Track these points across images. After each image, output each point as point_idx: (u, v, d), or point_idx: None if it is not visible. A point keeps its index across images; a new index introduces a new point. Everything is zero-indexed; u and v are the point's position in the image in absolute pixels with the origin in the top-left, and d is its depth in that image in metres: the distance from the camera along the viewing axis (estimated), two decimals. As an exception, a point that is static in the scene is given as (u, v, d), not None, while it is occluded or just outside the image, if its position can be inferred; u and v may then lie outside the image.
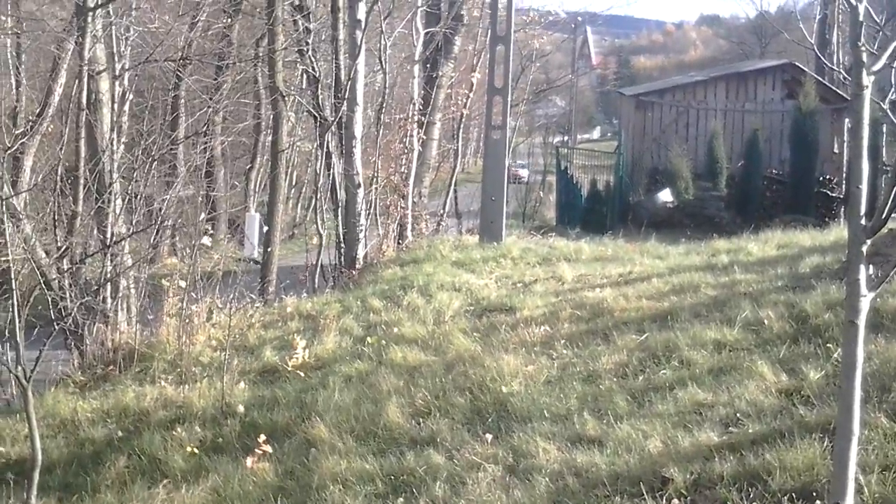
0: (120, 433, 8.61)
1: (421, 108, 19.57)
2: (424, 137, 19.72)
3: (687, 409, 6.78)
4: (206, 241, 11.50)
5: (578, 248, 13.90)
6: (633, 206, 30.10)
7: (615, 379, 7.73)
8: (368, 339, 10.02)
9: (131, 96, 15.71)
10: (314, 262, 17.16)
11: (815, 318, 8.10)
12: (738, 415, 6.47)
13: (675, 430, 6.36)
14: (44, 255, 12.77)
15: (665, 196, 29.63)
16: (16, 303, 7.53)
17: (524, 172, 47.24)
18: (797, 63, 33.97)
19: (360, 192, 16.59)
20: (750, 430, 6.15)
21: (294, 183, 36.18)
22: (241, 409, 8.50)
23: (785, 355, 7.47)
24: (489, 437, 6.89)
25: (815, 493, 5.24)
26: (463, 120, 21.70)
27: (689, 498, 5.53)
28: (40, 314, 9.68)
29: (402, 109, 20.91)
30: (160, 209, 14.42)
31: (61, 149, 13.46)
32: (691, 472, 5.72)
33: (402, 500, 6.12)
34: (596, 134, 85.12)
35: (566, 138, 61.11)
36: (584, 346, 8.67)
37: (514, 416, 7.28)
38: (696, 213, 27.87)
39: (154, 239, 13.93)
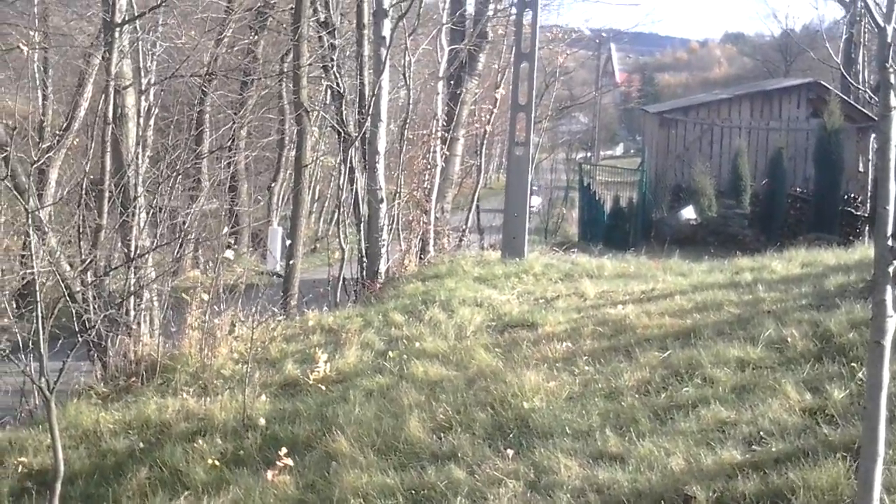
0: (142, 445, 8.63)
1: (444, 124, 19.61)
2: (448, 153, 19.75)
3: (710, 426, 6.75)
4: (230, 254, 11.53)
5: (601, 265, 13.87)
6: (655, 223, 30.03)
7: (637, 396, 7.70)
8: (390, 353, 10.02)
9: (157, 111, 15.81)
10: (336, 276, 17.19)
11: (839, 336, 8.05)
12: (761, 433, 6.44)
13: (698, 448, 6.33)
14: (68, 267, 12.85)
15: (688, 213, 29.55)
16: (40, 314, 7.58)
17: (535, 201, 39.10)
18: (822, 82, 33.87)
19: (383, 206, 16.60)
20: (773, 449, 6.12)
21: (317, 197, 36.28)
22: (262, 421, 8.51)
23: (809, 374, 7.43)
24: (510, 452, 6.88)
25: (839, 513, 5.20)
26: (486, 136, 21.71)
27: (711, 516, 5.50)
28: (64, 326, 9.72)
29: (425, 125, 20.96)
30: (184, 222, 14.50)
31: (87, 162, 13.56)
32: (714, 490, 5.69)
33: (422, 514, 6.11)
34: (619, 151, 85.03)
35: (589, 155, 61.08)
36: (606, 362, 8.64)
37: (535, 431, 7.27)
38: (720, 231, 27.77)
39: (177, 252, 14.00)
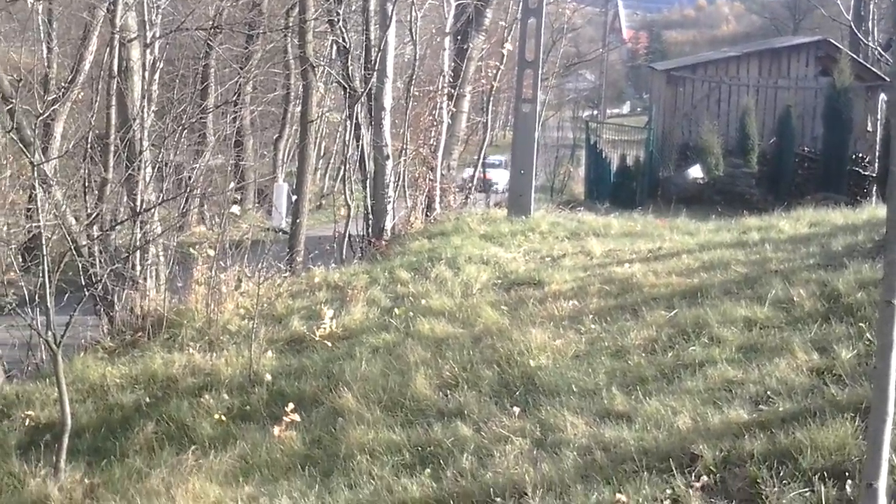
0: (148, 399, 8.67)
1: (451, 80, 19.48)
2: (454, 110, 19.64)
3: (716, 386, 6.74)
4: (235, 209, 11.50)
5: (607, 223, 13.83)
6: (662, 181, 29.88)
7: (644, 355, 7.69)
8: (396, 310, 10.01)
9: (161, 65, 15.70)
10: (342, 233, 17.16)
11: (847, 297, 8.01)
12: (768, 393, 6.42)
13: (705, 407, 6.32)
14: (74, 221, 12.83)
15: (695, 172, 29.39)
16: (46, 268, 7.59)
17: (499, 175, 34.24)
18: (832, 40, 33.55)
19: (389, 163, 16.54)
20: (780, 409, 6.10)
21: (322, 154, 36.18)
22: (268, 377, 8.53)
23: (816, 334, 7.39)
24: (517, 410, 6.88)
25: (846, 473, 5.19)
26: (493, 92, 21.56)
27: (718, 475, 5.49)
28: (70, 280, 9.73)
29: (431, 82, 20.81)
30: (189, 177, 14.46)
31: (92, 116, 13.50)
32: (721, 450, 5.68)
33: (429, 470, 6.11)
34: (626, 109, 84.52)
35: (595, 113, 60.74)
36: (612, 321, 8.63)
37: (541, 389, 7.27)
38: (727, 190, 27.61)
39: (183, 207, 13.97)
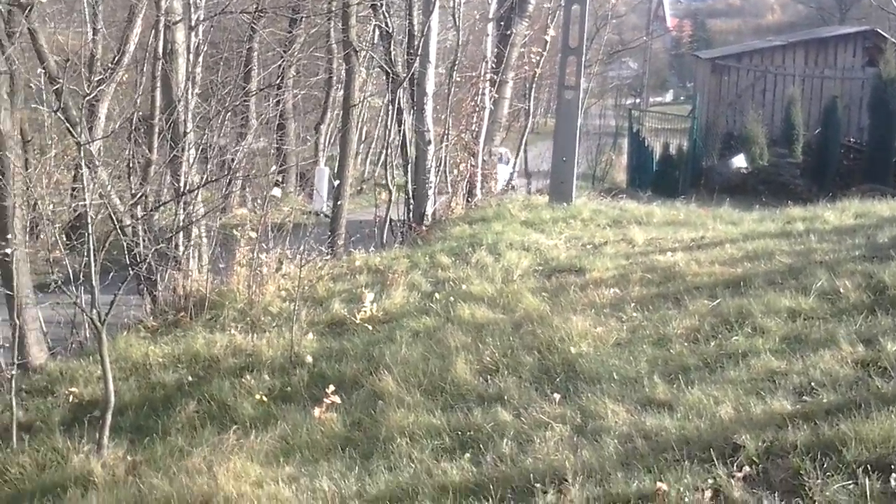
0: (190, 378, 8.72)
1: (493, 66, 19.40)
2: (496, 96, 19.55)
3: (759, 376, 6.68)
4: (277, 192, 11.54)
5: (650, 212, 13.77)
6: (705, 170, 29.70)
7: (686, 344, 7.64)
8: (436, 295, 10.02)
9: (206, 47, 15.78)
10: (383, 218, 17.20)
11: (893, 289, 7.93)
12: (812, 384, 6.36)
13: (748, 397, 6.27)
14: (118, 201, 12.94)
15: (739, 161, 29.18)
16: (91, 247, 7.65)
17: (504, 171, 25.35)
18: (879, 30, 33.11)
19: (431, 148, 16.54)
20: (824, 400, 6.05)
21: (363, 138, 36.20)
22: (309, 359, 8.56)
23: (861, 326, 7.32)
24: (557, 396, 6.86)
25: (892, 466, 5.13)
26: (535, 79, 21.46)
27: (760, 465, 5.45)
28: (114, 259, 9.81)
29: (473, 67, 20.76)
30: (232, 160, 14.54)
31: (138, 97, 13.61)
32: (763, 440, 5.63)
33: (468, 455, 6.11)
34: (668, 97, 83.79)
35: (638, 101, 60.38)
36: (654, 309, 8.59)
37: (582, 376, 7.24)
38: (771, 180, 27.40)
39: (226, 189, 14.04)
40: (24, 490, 7.15)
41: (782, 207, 13.67)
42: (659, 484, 5.31)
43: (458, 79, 19.20)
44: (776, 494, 5.19)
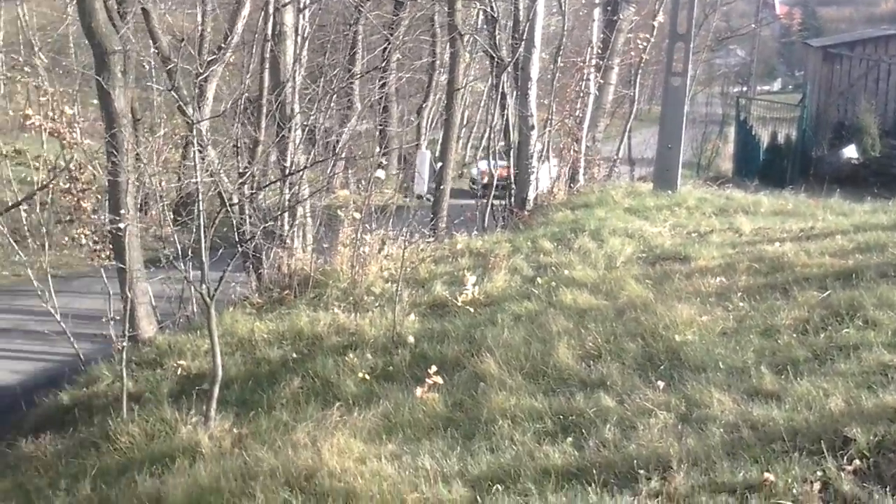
0: (294, 355, 8.86)
1: (599, 51, 19.23)
2: (601, 81, 19.39)
3: (871, 369, 6.51)
4: (381, 174, 11.63)
5: (757, 201, 13.54)
6: (815, 160, 28.97)
7: (795, 335, 7.48)
8: (538, 279, 10.00)
9: (311, 30, 15.94)
10: (485, 202, 17.22)
11: None
12: (927, 379, 6.17)
13: (858, 391, 6.10)
14: (226, 180, 13.18)
15: (850, 152, 28.42)
16: (202, 224, 7.80)
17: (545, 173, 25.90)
18: None
19: (534, 133, 16.47)
20: (940, 396, 5.86)
21: (465, 122, 36.21)
22: (411, 339, 8.62)
23: (981, 322, 7.08)
24: (661, 384, 6.78)
25: None
26: (641, 65, 21.20)
27: (871, 460, 5.31)
28: (223, 237, 10.00)
29: (578, 52, 20.59)
30: (337, 141, 14.68)
31: (248, 77, 13.82)
32: (875, 434, 5.48)
33: (570, 439, 6.08)
34: (776, 86, 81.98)
35: (745, 89, 59.18)
36: (761, 299, 8.43)
37: (687, 365, 7.14)
38: (883, 172, 26.59)
39: (330, 170, 14.19)
40: (134, 458, 7.34)
41: (895, 199, 13.27)
42: (766, 475, 5.22)
43: (563, 64, 19.07)
44: (887, 489, 5.05)
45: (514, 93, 17.73)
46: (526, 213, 15.37)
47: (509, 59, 17.82)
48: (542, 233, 12.27)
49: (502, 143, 18.79)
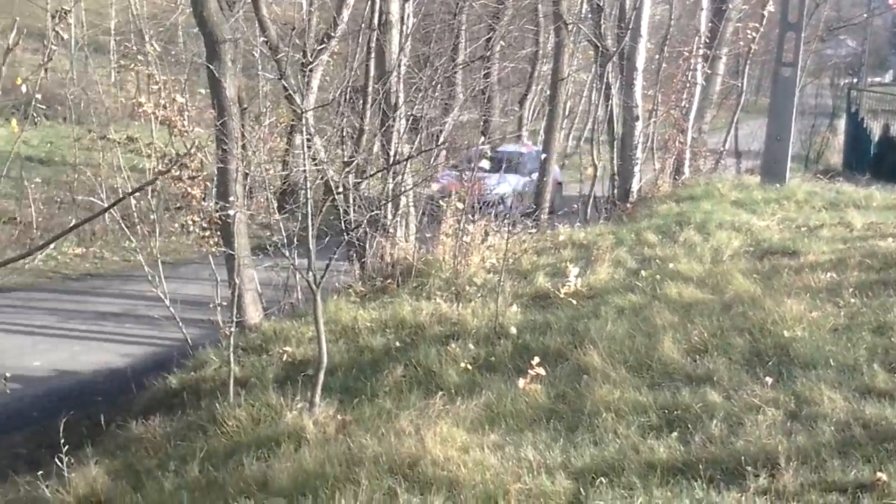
0: (397, 344, 8.91)
1: (707, 41, 18.92)
2: (709, 72, 19.09)
3: None
4: (485, 164, 11.62)
5: (869, 195, 13.21)
6: (931, 155, 28.06)
7: (909, 333, 7.28)
8: (642, 272, 9.91)
9: (416, 19, 15.99)
10: (588, 193, 17.11)
11: None
12: None
13: (975, 391, 5.92)
14: (331, 169, 13.32)
15: (970, 147, 27.46)
16: (309, 212, 7.88)
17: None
18: None
19: (639, 124, 16.31)
20: None
21: (567, 113, 35.95)
22: (513, 330, 8.60)
23: None
24: (769, 380, 6.65)
25: None
26: (749, 55, 20.81)
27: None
28: (329, 224, 10.12)
29: (685, 42, 20.30)
30: (440, 131, 14.71)
31: (357, 65, 13.93)
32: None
33: (676, 434, 6.00)
34: (888, 77, 79.61)
35: (856, 80, 57.60)
36: (874, 296, 8.23)
37: (796, 361, 7.00)
38: None
39: (433, 160, 14.23)
40: (240, 442, 7.47)
41: None
42: (879, 474, 5.10)
43: (669, 54, 18.83)
44: None
45: (619, 83, 17.56)
46: (629, 205, 15.24)
47: (614, 49, 17.66)
48: (647, 225, 12.16)
49: (606, 135, 18.64)
